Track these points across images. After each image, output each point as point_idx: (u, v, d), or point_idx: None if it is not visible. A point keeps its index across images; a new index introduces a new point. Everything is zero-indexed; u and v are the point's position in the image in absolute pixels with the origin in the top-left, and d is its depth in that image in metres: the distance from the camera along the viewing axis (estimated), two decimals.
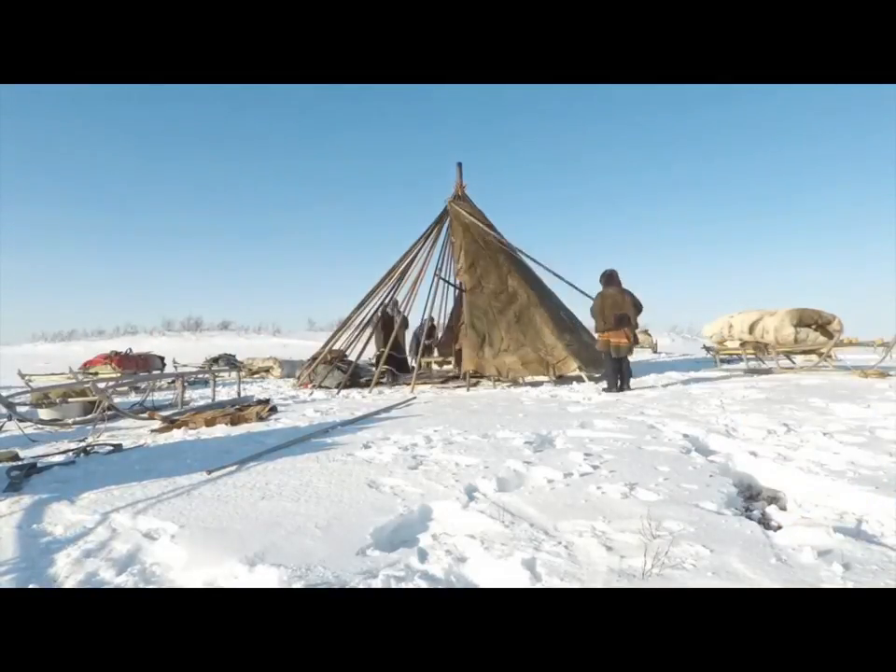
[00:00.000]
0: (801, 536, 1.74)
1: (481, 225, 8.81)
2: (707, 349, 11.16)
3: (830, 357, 8.57)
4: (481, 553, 1.69)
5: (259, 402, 5.54)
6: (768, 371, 8.17)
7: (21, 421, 4.39)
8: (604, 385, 6.57)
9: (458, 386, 7.57)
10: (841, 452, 2.85)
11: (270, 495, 2.35)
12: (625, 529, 1.83)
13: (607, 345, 6.48)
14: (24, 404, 5.62)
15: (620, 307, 6.45)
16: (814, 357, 8.72)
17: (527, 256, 8.86)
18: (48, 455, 3.39)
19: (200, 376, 9.58)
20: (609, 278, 6.67)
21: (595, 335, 6.89)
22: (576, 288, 8.22)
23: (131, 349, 11.82)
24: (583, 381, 7.37)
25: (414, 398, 6.35)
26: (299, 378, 9.00)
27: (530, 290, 8.30)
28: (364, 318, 9.30)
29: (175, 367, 11.90)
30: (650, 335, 19.75)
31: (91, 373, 9.08)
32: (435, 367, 9.79)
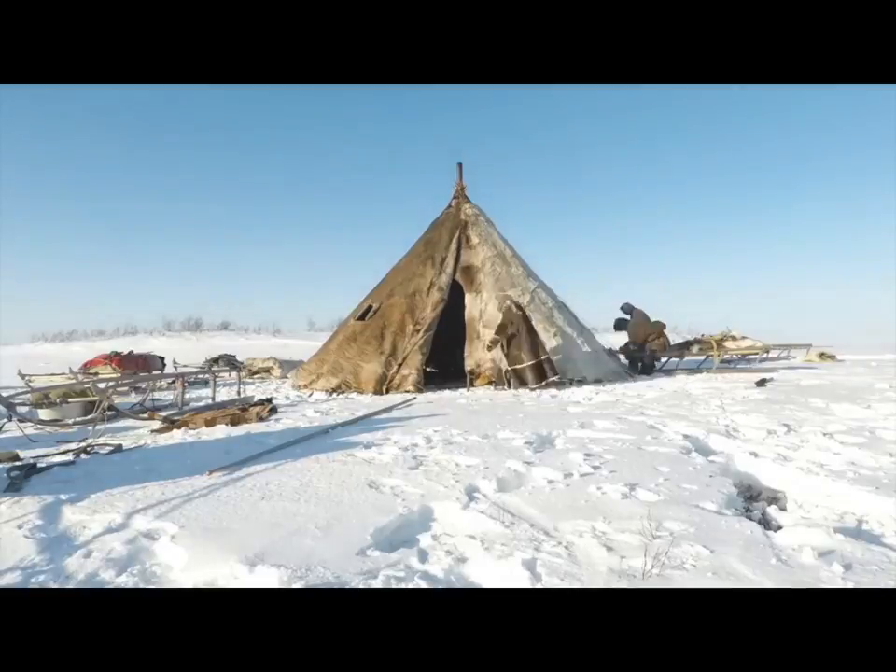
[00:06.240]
0: (801, 536, 1.74)
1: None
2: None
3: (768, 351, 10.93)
4: (481, 553, 1.69)
5: (260, 402, 5.53)
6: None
7: (21, 421, 4.38)
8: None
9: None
10: (841, 452, 2.86)
11: (270, 495, 2.35)
12: (625, 530, 1.83)
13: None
14: (24, 404, 5.61)
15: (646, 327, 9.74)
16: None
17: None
18: (48, 456, 3.38)
19: (200, 376, 9.57)
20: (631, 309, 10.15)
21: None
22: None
23: (132, 351, 11.81)
24: (583, 383, 7.37)
25: (415, 398, 6.35)
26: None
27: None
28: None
29: (176, 367, 11.86)
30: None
31: (91, 374, 9.05)
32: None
